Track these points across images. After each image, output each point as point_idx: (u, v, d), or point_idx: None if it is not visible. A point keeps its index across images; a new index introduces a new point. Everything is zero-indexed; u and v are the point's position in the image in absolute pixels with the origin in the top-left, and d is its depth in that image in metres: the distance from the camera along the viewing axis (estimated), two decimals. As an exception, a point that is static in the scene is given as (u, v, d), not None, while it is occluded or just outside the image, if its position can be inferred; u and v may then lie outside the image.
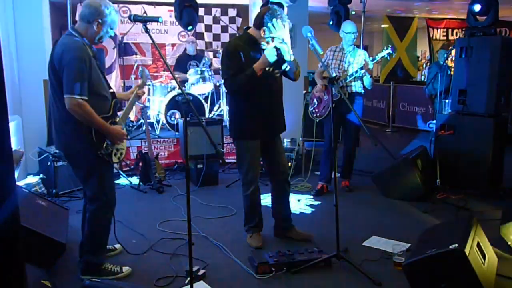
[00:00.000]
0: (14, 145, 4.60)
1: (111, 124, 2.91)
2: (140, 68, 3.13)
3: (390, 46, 4.74)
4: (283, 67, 3.38)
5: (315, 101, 5.01)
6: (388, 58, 4.85)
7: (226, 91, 3.54)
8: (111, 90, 2.99)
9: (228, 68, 3.37)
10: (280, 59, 3.33)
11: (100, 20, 2.81)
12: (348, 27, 4.86)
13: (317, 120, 5.07)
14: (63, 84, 2.69)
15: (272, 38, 3.27)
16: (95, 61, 2.85)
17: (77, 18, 3.21)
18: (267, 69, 3.34)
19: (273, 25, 3.24)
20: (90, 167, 2.89)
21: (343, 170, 5.21)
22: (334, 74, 4.80)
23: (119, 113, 3.10)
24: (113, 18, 2.87)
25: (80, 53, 2.71)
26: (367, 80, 4.78)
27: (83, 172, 2.94)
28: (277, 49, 3.28)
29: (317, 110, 4.99)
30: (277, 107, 3.59)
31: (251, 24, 7.37)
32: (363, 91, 4.94)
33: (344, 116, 4.86)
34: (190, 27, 6.19)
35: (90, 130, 2.78)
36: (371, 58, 4.72)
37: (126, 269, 3.12)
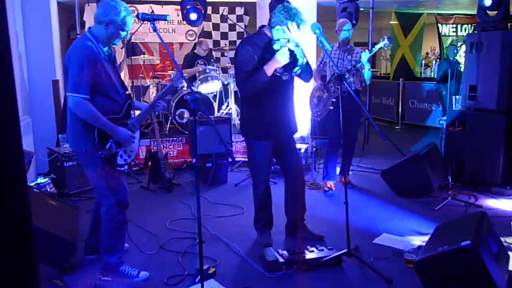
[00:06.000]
0: (24, 145, 4.62)
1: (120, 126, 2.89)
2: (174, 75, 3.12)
3: (386, 37, 4.67)
4: (295, 70, 3.28)
5: (314, 100, 4.98)
6: (386, 48, 4.81)
7: (236, 89, 3.48)
8: (127, 92, 3.01)
9: (240, 71, 3.30)
10: (293, 62, 3.24)
11: (108, 20, 2.77)
12: (344, 25, 4.82)
13: (318, 119, 5.04)
14: (68, 82, 2.75)
15: (287, 40, 3.17)
16: (108, 63, 2.86)
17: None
18: (277, 70, 3.26)
19: (288, 27, 3.16)
20: (97, 167, 2.88)
21: (343, 167, 5.12)
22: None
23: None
24: (125, 19, 2.82)
25: (85, 53, 2.72)
26: (367, 73, 4.74)
27: (90, 172, 2.96)
28: (291, 51, 3.19)
29: (317, 109, 4.95)
30: (287, 108, 3.53)
31: (258, 21, 7.40)
32: (360, 88, 4.94)
33: (346, 112, 4.81)
34: (194, 20, 6.17)
35: (93, 130, 2.77)
36: (368, 51, 4.66)
37: (143, 273, 3.08)
